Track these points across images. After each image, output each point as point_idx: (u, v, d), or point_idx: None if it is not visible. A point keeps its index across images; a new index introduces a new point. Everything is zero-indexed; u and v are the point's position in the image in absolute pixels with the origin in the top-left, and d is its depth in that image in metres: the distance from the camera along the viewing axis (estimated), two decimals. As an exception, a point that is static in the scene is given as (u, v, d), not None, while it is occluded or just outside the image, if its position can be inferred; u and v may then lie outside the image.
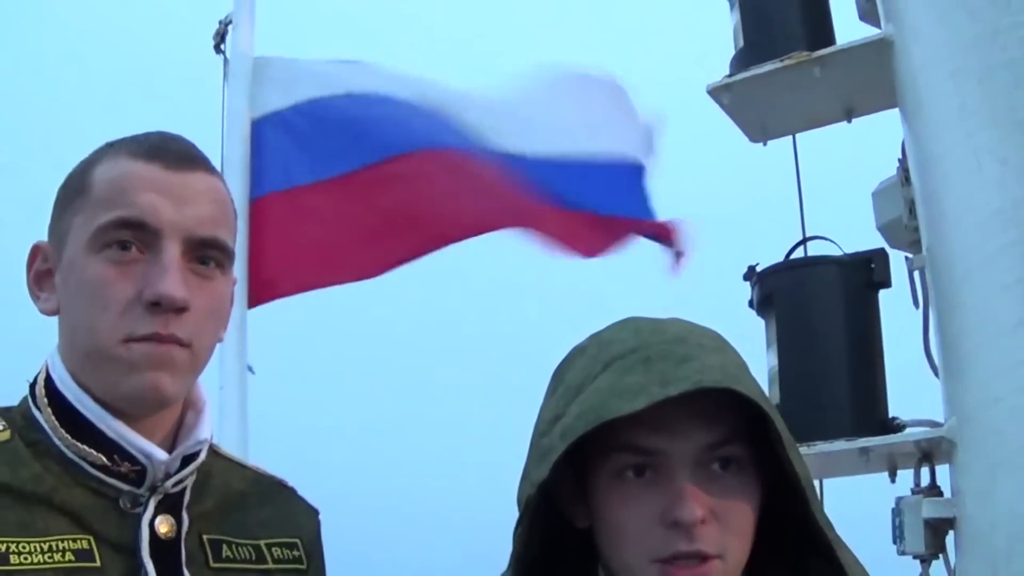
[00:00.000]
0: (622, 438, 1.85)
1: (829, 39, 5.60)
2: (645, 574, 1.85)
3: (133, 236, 1.95)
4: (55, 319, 2.10)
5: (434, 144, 5.20)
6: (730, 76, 5.61)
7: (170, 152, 2.04)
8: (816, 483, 4.44)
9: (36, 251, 2.12)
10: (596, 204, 5.18)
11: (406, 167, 5.14)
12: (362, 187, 5.10)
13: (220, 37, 5.33)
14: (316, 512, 2.47)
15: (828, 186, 6.12)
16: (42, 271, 2.11)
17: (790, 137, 6.03)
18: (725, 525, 1.84)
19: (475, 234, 5.18)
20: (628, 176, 5.24)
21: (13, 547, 1.87)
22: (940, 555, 4.74)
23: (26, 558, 1.87)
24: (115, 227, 1.95)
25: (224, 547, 2.14)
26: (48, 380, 2.05)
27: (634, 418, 1.78)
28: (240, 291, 4.63)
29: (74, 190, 2.05)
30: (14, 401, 2.13)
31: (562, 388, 1.94)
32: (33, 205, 2.28)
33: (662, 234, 5.09)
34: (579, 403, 1.86)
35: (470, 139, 5.24)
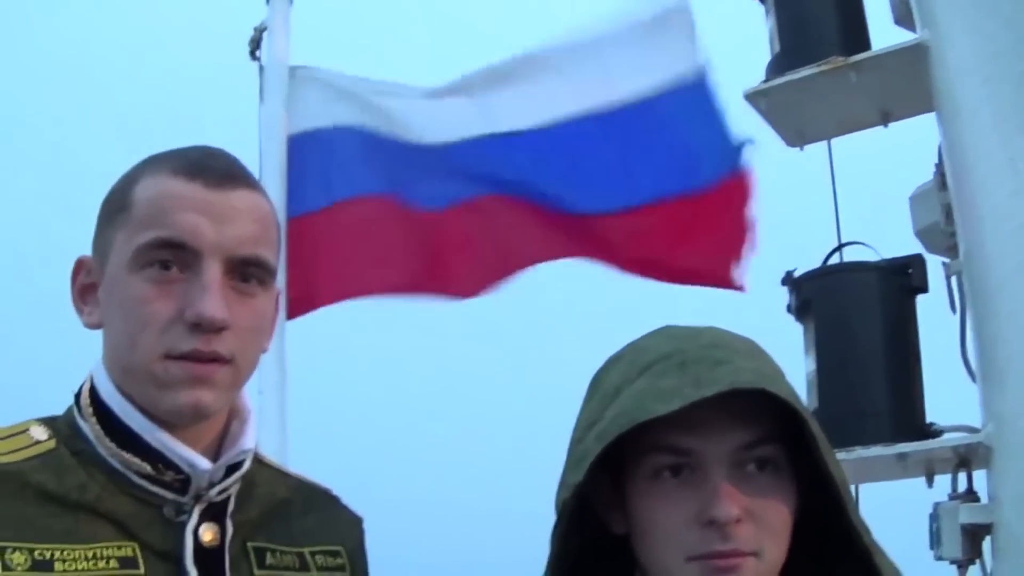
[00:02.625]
0: (658, 440, 1.87)
1: (865, 44, 5.60)
2: (682, 572, 1.87)
3: (173, 256, 1.97)
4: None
5: (479, 192, 5.19)
6: (767, 81, 5.61)
7: (211, 170, 2.04)
8: (852, 488, 4.46)
9: (80, 265, 2.15)
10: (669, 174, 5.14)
11: (448, 217, 5.16)
12: (407, 216, 5.12)
13: (256, 44, 5.36)
14: (360, 520, 2.49)
15: (865, 191, 6.10)
16: (86, 285, 2.13)
17: (825, 143, 6.03)
18: (761, 524, 1.86)
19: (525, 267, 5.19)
20: (686, 103, 5.20)
21: (58, 554, 1.89)
22: (977, 561, 4.72)
23: (71, 565, 1.90)
24: (155, 247, 1.96)
25: (268, 554, 2.16)
26: (93, 391, 2.07)
27: (669, 420, 1.80)
28: (280, 298, 4.68)
29: (116, 206, 2.06)
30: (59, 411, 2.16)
31: (599, 395, 1.96)
32: (82, 222, 2.30)
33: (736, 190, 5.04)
34: (615, 407, 1.88)
35: (520, 178, 5.20)
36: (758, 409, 1.86)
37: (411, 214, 5.18)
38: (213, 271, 1.97)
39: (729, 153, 5.05)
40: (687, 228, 5.07)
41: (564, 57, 5.28)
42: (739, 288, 4.99)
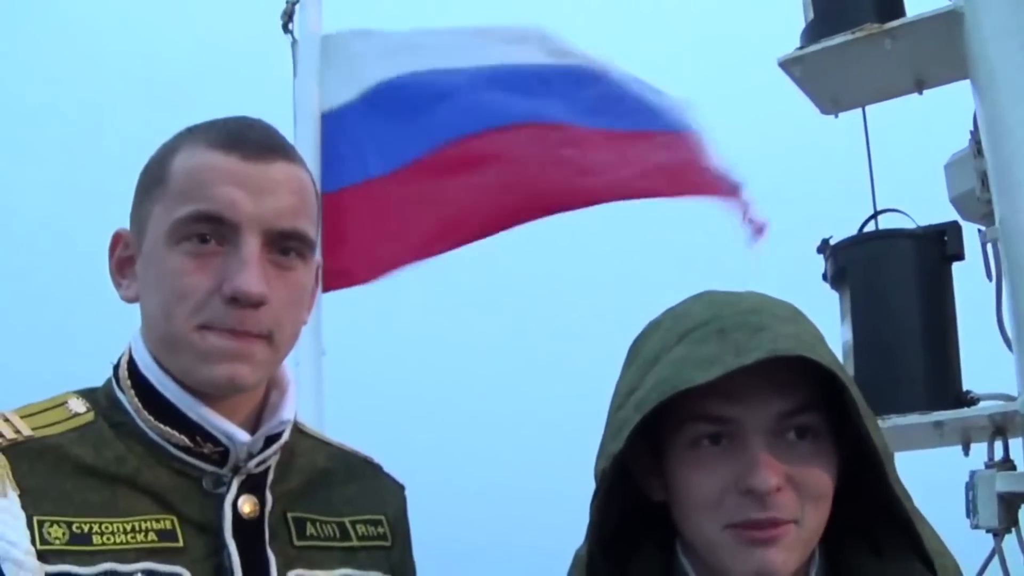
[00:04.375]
0: (697, 408, 1.88)
1: (899, 10, 5.55)
2: (719, 540, 1.89)
3: (211, 230, 1.98)
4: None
5: (507, 120, 5.21)
6: (801, 48, 5.58)
7: (248, 141, 2.06)
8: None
9: (117, 239, 2.17)
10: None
11: (479, 146, 5.16)
12: (434, 169, 5.13)
13: (288, 17, 5.37)
14: (402, 488, 2.52)
15: (900, 158, 6.08)
16: (123, 258, 2.16)
17: (859, 110, 6.00)
18: (802, 491, 1.87)
19: (549, 213, 5.20)
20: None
21: (96, 527, 1.92)
22: (1013, 529, 4.72)
23: (109, 538, 1.93)
24: (193, 221, 1.98)
25: (308, 525, 2.19)
26: (131, 363, 2.10)
27: (709, 388, 1.82)
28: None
29: (154, 178, 2.08)
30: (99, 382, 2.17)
31: (638, 362, 1.97)
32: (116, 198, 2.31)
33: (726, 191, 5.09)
34: (654, 375, 1.89)
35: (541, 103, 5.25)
36: (798, 376, 1.87)
37: (444, 160, 5.21)
38: (251, 245, 1.99)
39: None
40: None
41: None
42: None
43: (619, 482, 2.00)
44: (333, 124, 5.15)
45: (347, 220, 5.04)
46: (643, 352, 1.99)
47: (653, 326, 2.05)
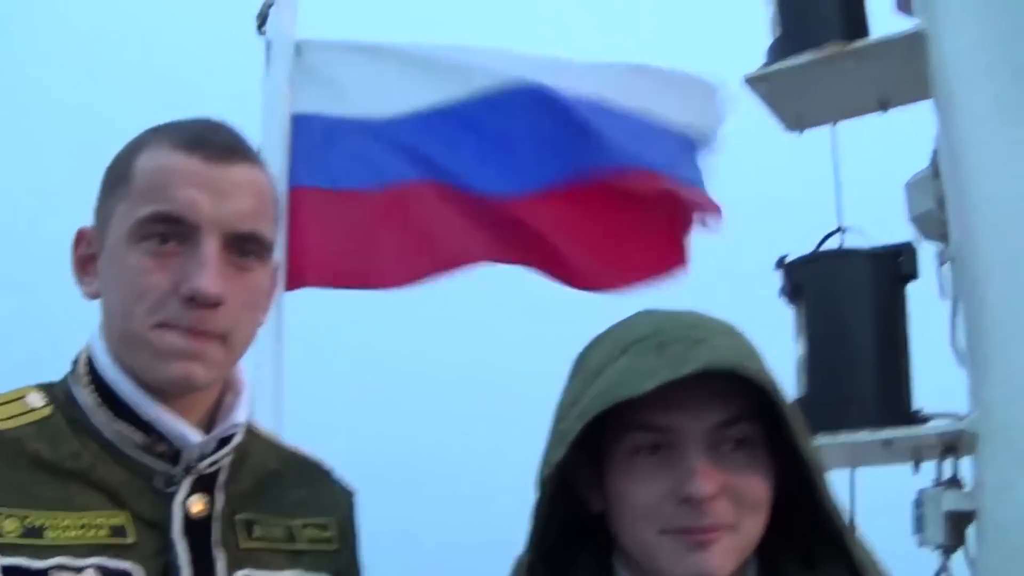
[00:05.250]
0: (637, 418, 1.92)
1: (864, 30, 5.60)
2: (657, 545, 1.93)
3: (171, 230, 2.00)
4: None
5: (480, 184, 5.21)
6: (766, 66, 5.63)
7: (211, 144, 2.07)
8: (845, 473, 4.48)
9: (81, 236, 2.19)
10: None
11: (447, 191, 5.18)
12: (404, 200, 5.14)
13: (262, 19, 5.38)
14: (352, 493, 2.52)
15: (866, 176, 6.13)
16: (86, 256, 2.17)
17: (825, 127, 6.06)
18: (738, 500, 1.91)
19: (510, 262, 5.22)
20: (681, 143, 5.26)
21: (49, 522, 1.93)
22: (961, 547, 4.78)
23: (62, 532, 1.94)
24: (154, 221, 2.00)
25: (256, 527, 2.20)
26: (90, 360, 2.11)
27: (648, 398, 1.85)
28: (279, 271, 4.71)
29: (118, 176, 2.10)
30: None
31: (582, 374, 2.01)
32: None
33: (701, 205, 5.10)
34: (596, 386, 1.93)
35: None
36: (735, 389, 1.90)
37: (415, 193, 5.21)
38: (210, 246, 2.01)
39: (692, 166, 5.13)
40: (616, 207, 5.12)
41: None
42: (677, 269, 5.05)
43: (561, 493, 2.05)
44: (304, 126, 5.16)
45: (310, 218, 5.05)
46: (587, 365, 2.03)
47: (597, 340, 2.09)
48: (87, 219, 2.19)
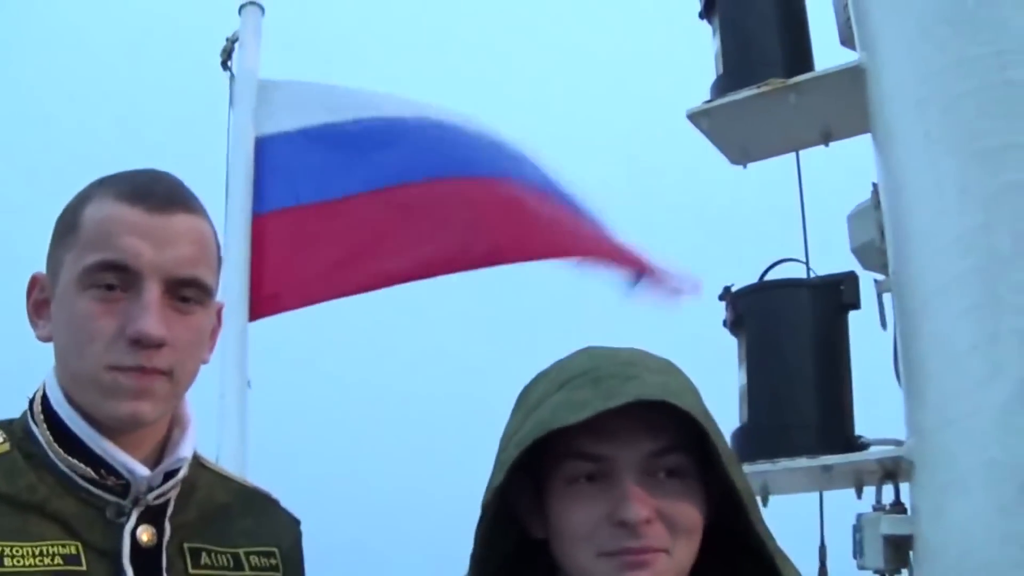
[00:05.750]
0: (573, 447, 1.99)
1: (807, 65, 5.71)
2: (594, 568, 1.98)
3: (117, 277, 2.08)
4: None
5: (444, 173, 5.28)
6: (709, 102, 5.72)
7: (153, 195, 2.15)
8: (780, 499, 4.52)
9: (34, 282, 2.27)
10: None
11: (412, 193, 5.23)
12: (366, 208, 5.20)
13: (227, 54, 5.44)
14: (297, 522, 2.59)
15: (811, 207, 6.20)
16: (40, 300, 2.24)
17: (771, 160, 6.15)
18: (671, 525, 1.98)
19: (474, 267, 5.27)
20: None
21: (8, 550, 2.01)
22: (904, 570, 4.84)
23: (19, 561, 2.01)
24: (100, 269, 2.08)
25: (204, 555, 2.27)
26: (45, 398, 2.19)
27: (584, 429, 1.93)
28: (241, 304, 4.82)
29: (66, 226, 2.19)
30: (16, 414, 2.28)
31: (523, 408, 2.09)
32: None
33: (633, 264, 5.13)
34: (534, 418, 2.00)
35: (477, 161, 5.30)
36: (667, 421, 1.98)
37: (378, 201, 5.26)
38: (152, 291, 2.09)
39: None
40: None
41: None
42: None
43: (505, 519, 2.13)
44: (267, 149, 5.20)
45: (274, 244, 5.09)
46: (527, 399, 2.11)
47: (539, 377, 2.17)
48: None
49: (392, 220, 5.20)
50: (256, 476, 2.67)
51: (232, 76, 5.41)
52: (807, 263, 5.68)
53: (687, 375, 2.11)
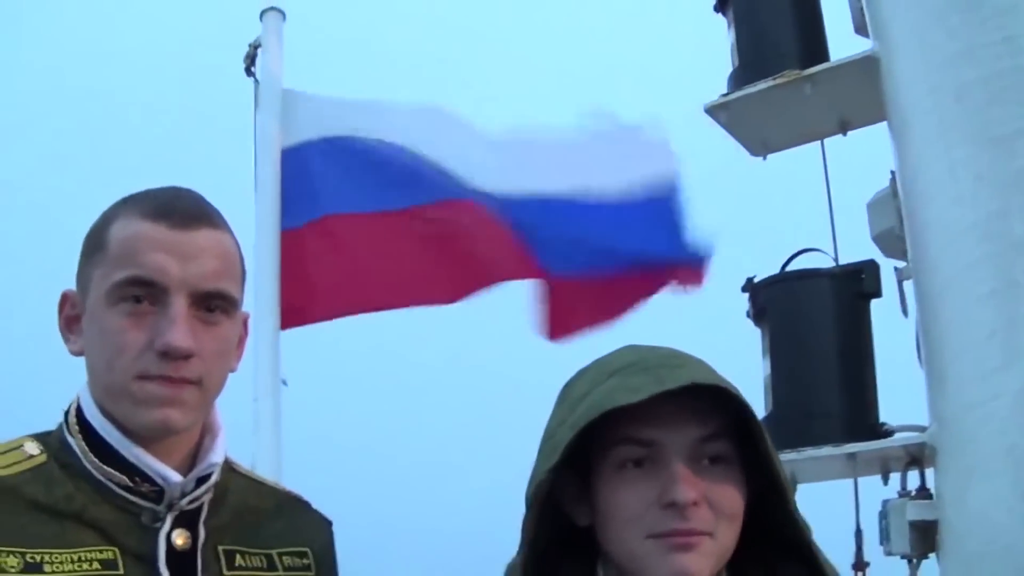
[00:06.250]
0: (624, 432, 2.05)
1: (822, 55, 5.73)
2: (642, 549, 2.04)
3: (144, 292, 2.16)
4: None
5: (461, 196, 5.29)
6: (726, 95, 5.75)
7: (177, 211, 2.23)
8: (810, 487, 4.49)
9: (65, 299, 2.34)
10: (622, 251, 5.26)
11: (437, 213, 5.26)
12: (394, 225, 5.23)
13: (250, 60, 5.47)
14: (329, 523, 2.66)
15: (833, 196, 6.21)
16: (70, 316, 2.32)
17: (791, 150, 6.16)
18: (716, 509, 2.03)
19: (497, 282, 5.31)
20: (655, 212, 5.32)
21: (47, 557, 2.09)
22: (932, 555, 4.84)
23: (58, 567, 2.09)
24: (128, 284, 2.16)
25: (238, 556, 2.34)
26: (79, 410, 2.26)
27: (634, 415, 2.00)
28: (273, 308, 4.84)
29: (94, 244, 2.26)
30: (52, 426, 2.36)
31: (569, 400, 2.14)
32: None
33: (688, 278, 5.15)
34: (587, 402, 2.06)
35: (491, 192, 5.30)
36: (713, 408, 2.05)
37: (397, 217, 5.29)
38: (179, 305, 2.16)
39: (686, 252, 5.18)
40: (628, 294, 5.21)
41: (548, 142, 5.42)
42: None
43: (548, 509, 2.16)
44: (293, 160, 5.22)
45: (305, 256, 5.12)
46: (572, 392, 2.16)
47: (582, 372, 2.22)
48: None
49: (418, 236, 5.24)
50: (291, 479, 2.73)
51: (256, 82, 5.45)
52: (835, 252, 5.70)
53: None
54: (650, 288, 5.13)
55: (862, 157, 6.41)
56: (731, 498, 2.06)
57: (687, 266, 5.10)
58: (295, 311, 5.04)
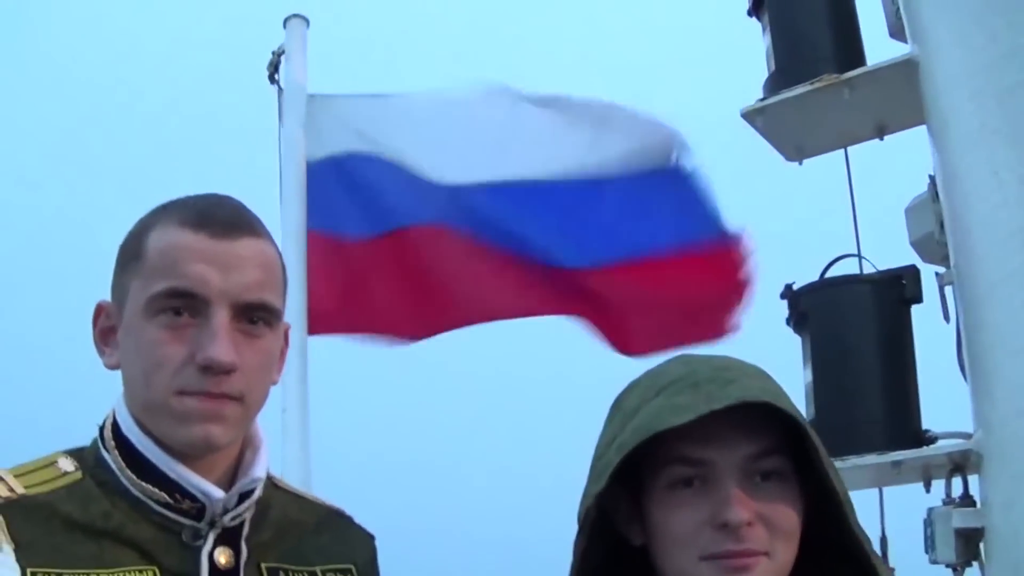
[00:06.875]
0: (673, 452, 2.01)
1: (859, 58, 5.69)
2: (696, 572, 2.00)
3: (184, 304, 2.10)
4: None
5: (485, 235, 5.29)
6: (763, 100, 5.72)
7: (216, 220, 2.17)
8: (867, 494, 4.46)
9: (100, 310, 2.28)
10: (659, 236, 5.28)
11: (456, 239, 5.26)
12: (413, 247, 5.23)
13: (274, 67, 5.47)
14: (372, 538, 2.61)
15: (869, 201, 6.19)
16: (106, 328, 2.26)
17: (825, 155, 6.13)
18: (771, 528, 1.99)
19: (522, 315, 5.31)
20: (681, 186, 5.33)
21: None
22: (975, 563, 4.80)
23: None
24: (167, 296, 2.10)
25: (281, 574, 2.29)
26: (115, 425, 2.21)
27: (684, 434, 1.96)
28: (300, 318, 4.83)
29: (131, 254, 2.20)
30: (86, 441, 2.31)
31: (620, 415, 2.11)
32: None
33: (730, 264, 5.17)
34: (634, 423, 2.02)
35: (517, 230, 5.30)
36: (764, 424, 2.00)
37: (424, 238, 5.29)
38: (221, 317, 2.11)
39: (716, 225, 5.18)
40: (677, 283, 5.21)
41: (561, 117, 5.40)
42: (728, 333, 5.11)
43: (600, 529, 2.13)
44: (319, 172, 5.21)
45: (325, 265, 5.11)
46: (623, 406, 2.13)
47: (633, 384, 2.19)
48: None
49: (437, 260, 5.24)
50: (319, 491, 2.69)
51: (280, 89, 5.44)
52: (859, 257, 5.66)
53: (776, 380, 2.13)
54: (698, 279, 5.13)
55: (891, 163, 6.39)
56: (786, 515, 2.02)
57: (724, 246, 5.11)
58: (322, 318, 5.02)
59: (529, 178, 5.34)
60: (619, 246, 5.24)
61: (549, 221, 5.29)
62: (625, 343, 5.23)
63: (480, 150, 5.38)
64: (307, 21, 5.54)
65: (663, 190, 5.23)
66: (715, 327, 5.12)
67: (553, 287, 5.26)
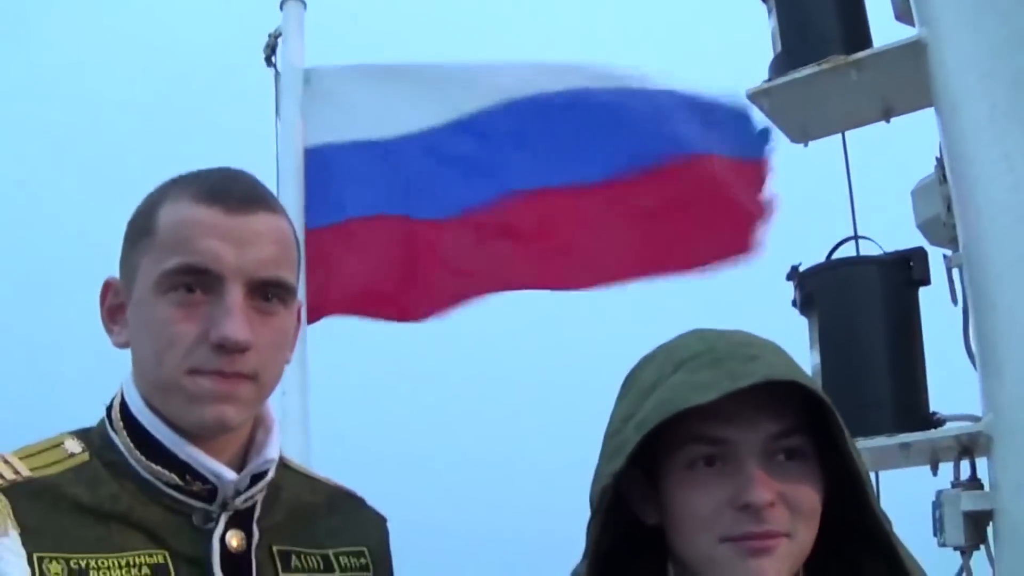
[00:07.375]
0: (694, 430, 1.98)
1: (866, 40, 5.66)
2: (716, 553, 1.98)
3: (197, 280, 2.06)
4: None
5: (520, 184, 5.25)
6: (769, 81, 5.69)
7: (230, 194, 2.13)
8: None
9: (108, 287, 2.24)
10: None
11: (466, 224, 5.23)
12: (421, 232, 5.20)
13: (270, 50, 5.44)
14: (384, 520, 2.58)
15: (874, 183, 6.17)
16: (114, 306, 2.22)
17: (831, 137, 6.11)
18: (793, 508, 1.97)
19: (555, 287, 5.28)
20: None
21: (93, 563, 2.00)
22: (982, 546, 4.81)
23: (105, 573, 2.00)
24: (179, 272, 2.06)
25: (293, 557, 2.26)
26: (123, 405, 2.17)
27: (705, 411, 1.92)
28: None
29: (141, 229, 2.16)
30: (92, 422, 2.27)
31: (634, 391, 2.07)
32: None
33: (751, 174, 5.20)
34: (653, 399, 1.98)
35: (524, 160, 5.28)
36: (787, 402, 1.97)
37: (419, 230, 5.26)
38: (235, 294, 2.07)
39: (746, 136, 5.19)
40: (700, 190, 5.24)
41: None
42: (750, 252, 5.11)
43: (613, 508, 2.09)
44: (317, 160, 5.17)
45: (327, 256, 5.08)
46: (639, 381, 2.09)
47: (647, 359, 2.15)
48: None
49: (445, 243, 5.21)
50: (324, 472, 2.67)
51: (277, 73, 5.41)
52: (855, 240, 5.63)
53: (793, 356, 2.10)
54: (726, 182, 5.14)
55: (893, 146, 6.37)
56: (808, 496, 1.99)
57: (747, 156, 5.12)
58: (317, 307, 5.00)
59: (551, 90, 5.33)
60: (646, 153, 5.23)
61: (567, 134, 5.28)
62: (652, 261, 5.20)
63: (495, 72, 5.37)
64: (304, 3, 5.51)
65: (691, 101, 5.25)
66: (739, 242, 5.11)
67: (570, 217, 5.21)
